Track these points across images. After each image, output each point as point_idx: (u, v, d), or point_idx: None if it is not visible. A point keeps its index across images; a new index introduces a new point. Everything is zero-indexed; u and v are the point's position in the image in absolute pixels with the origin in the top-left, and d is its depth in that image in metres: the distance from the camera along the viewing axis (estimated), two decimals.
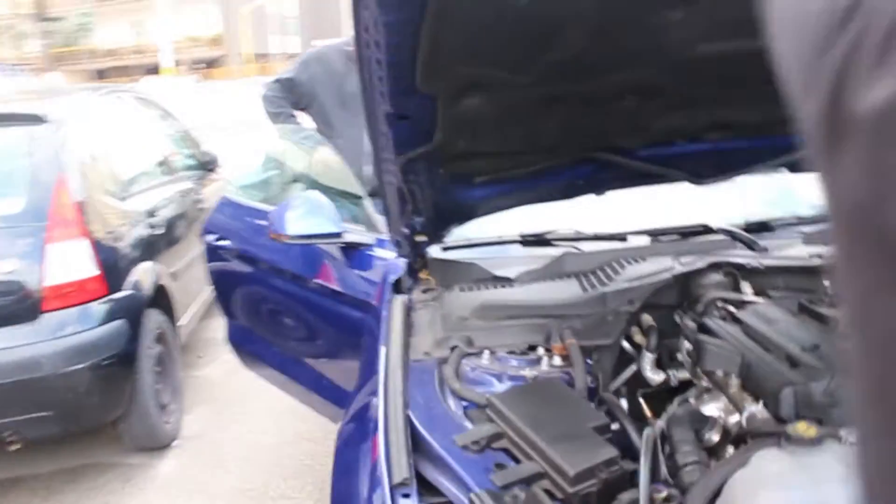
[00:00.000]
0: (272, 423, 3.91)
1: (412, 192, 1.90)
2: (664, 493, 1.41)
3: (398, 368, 1.69)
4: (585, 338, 1.89)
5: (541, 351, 1.86)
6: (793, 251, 2.22)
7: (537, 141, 1.90)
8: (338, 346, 3.01)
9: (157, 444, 3.71)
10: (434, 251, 2.33)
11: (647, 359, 2.04)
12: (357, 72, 1.60)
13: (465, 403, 1.65)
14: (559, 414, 1.50)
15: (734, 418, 1.71)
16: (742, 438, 1.56)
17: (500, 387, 1.70)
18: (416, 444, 1.46)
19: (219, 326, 4.72)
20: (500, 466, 1.38)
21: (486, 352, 1.80)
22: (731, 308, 2.01)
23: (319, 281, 2.94)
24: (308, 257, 2.96)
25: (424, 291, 2.17)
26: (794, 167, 2.23)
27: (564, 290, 2.10)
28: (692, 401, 1.92)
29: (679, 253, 2.21)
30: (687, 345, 1.98)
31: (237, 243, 3.38)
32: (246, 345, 3.56)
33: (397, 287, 2.19)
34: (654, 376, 2.03)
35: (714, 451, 1.63)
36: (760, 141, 2.10)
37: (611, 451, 1.38)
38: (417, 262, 2.22)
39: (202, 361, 4.75)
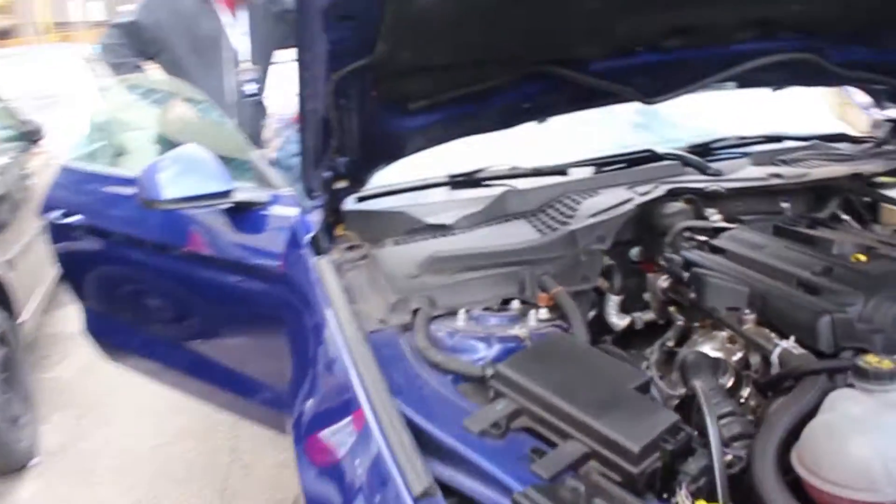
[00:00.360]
0: (147, 421, 3.41)
1: (340, 122, 1.53)
2: (729, 457, 1.17)
3: (362, 344, 1.34)
4: (564, 284, 1.62)
5: (516, 304, 1.57)
6: (747, 172, 2.05)
7: (493, 50, 1.59)
8: (224, 322, 2.57)
9: (13, 467, 3.14)
10: (349, 202, 1.98)
11: (612, 302, 1.81)
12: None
13: (449, 377, 1.33)
14: (588, 376, 1.22)
15: (736, 357, 1.50)
16: (778, 379, 1.34)
17: (490, 352, 1.40)
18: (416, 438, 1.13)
19: (65, 318, 4.11)
20: (537, 452, 1.08)
21: (462, 312, 1.48)
22: (702, 237, 1.81)
23: (197, 250, 2.48)
24: (183, 224, 2.49)
25: (349, 249, 1.81)
26: (745, 81, 2.05)
27: (520, 233, 1.82)
28: (670, 343, 1.72)
29: (630, 182, 1.98)
30: (661, 282, 1.76)
31: (88, 218, 2.83)
32: (108, 334, 3.03)
33: (315, 247, 1.82)
34: (619, 321, 1.81)
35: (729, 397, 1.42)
36: (716, 50, 1.89)
37: (670, 416, 1.12)
38: (333, 215, 1.86)
39: (52, 361, 4.10)
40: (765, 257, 1.62)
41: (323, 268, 1.68)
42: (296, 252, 1.91)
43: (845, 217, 2.01)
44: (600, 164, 2.14)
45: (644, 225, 1.87)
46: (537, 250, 1.69)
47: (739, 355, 1.51)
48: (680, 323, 1.71)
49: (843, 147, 2.28)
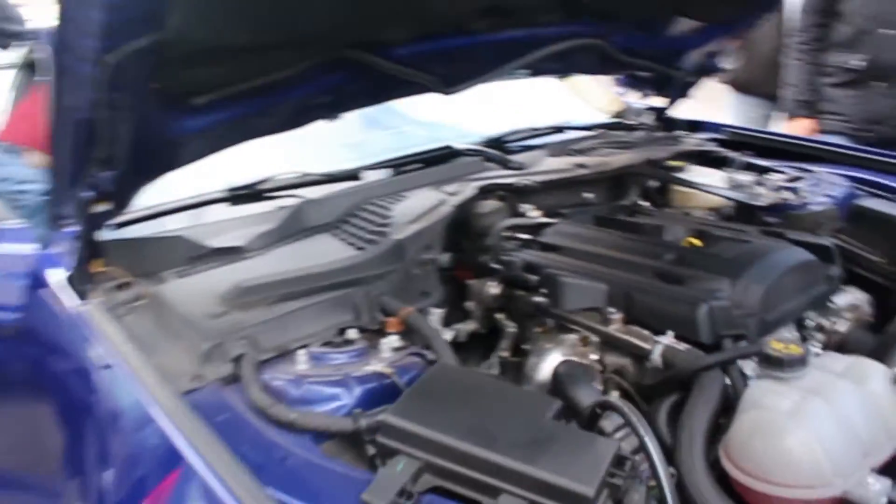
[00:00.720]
0: None
1: (111, 122, 1.17)
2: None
3: (183, 412, 1.00)
4: (403, 303, 1.39)
5: (353, 333, 1.31)
6: (551, 164, 1.96)
7: (296, 29, 1.31)
8: None
9: None
10: (105, 232, 1.58)
11: (434, 316, 1.61)
12: None
13: (307, 437, 1.04)
14: (494, 412, 1.00)
15: (592, 358, 1.38)
16: (671, 380, 1.22)
17: (351, 397, 1.13)
18: None
19: None
20: None
21: (300, 352, 1.19)
22: (524, 235, 1.69)
23: None
24: None
25: (118, 289, 1.43)
26: (537, 69, 1.96)
27: (329, 250, 1.56)
28: (504, 354, 1.56)
29: (434, 183, 1.80)
30: (489, 289, 1.59)
31: None
32: None
33: (74, 290, 1.42)
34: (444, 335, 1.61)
35: None
36: (517, 34, 1.77)
37: (611, 444, 0.94)
38: (90, 247, 1.47)
39: None
40: (606, 250, 1.52)
41: (94, 315, 1.29)
42: (42, 299, 1.48)
43: (643, 203, 2.01)
44: (396, 165, 1.93)
45: (457, 228, 1.69)
46: (363, 267, 1.44)
47: (595, 358, 1.39)
48: (512, 330, 1.56)
49: (622, 135, 2.30)
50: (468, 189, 1.74)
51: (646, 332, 1.30)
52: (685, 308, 1.27)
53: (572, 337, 1.42)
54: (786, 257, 1.39)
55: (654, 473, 0.93)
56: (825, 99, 2.74)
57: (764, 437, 0.99)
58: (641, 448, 0.95)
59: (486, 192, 1.76)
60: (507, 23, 1.67)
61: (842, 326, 1.50)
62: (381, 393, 1.12)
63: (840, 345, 1.48)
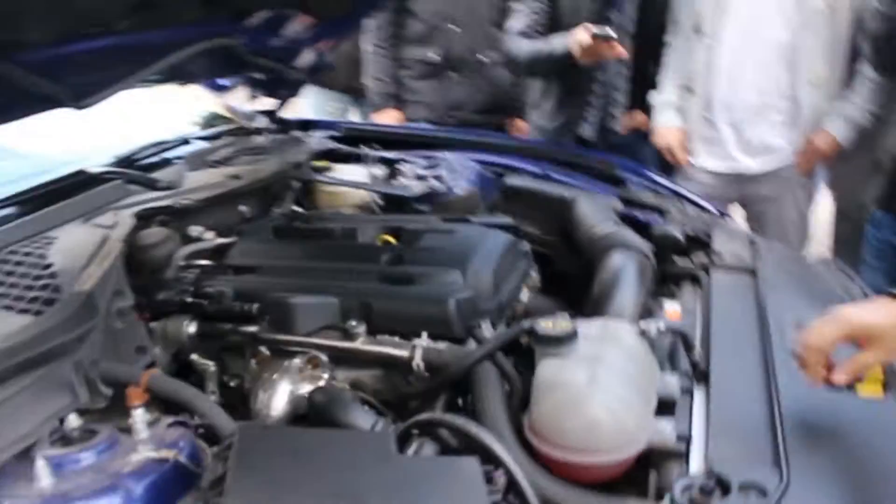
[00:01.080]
0: None
1: None
2: None
3: None
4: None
5: (73, 420, 1.04)
6: (200, 179, 1.79)
7: None
8: None
9: None
10: None
11: None
12: None
13: None
14: (339, 466, 0.88)
15: (325, 378, 1.31)
16: (441, 383, 1.20)
17: (133, 499, 0.88)
18: None
19: None
20: None
21: (38, 463, 0.90)
22: (205, 262, 1.53)
23: None
24: None
25: None
26: (171, 75, 1.75)
27: None
28: (212, 394, 1.41)
29: (80, 215, 1.52)
30: (184, 328, 1.40)
31: None
32: None
33: None
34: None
35: None
36: (159, 35, 1.55)
37: (474, 464, 0.89)
38: None
39: None
40: (313, 262, 1.44)
41: None
42: None
43: (297, 208, 1.94)
44: (18, 201, 1.57)
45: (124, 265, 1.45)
46: (54, 333, 1.13)
47: (325, 376, 1.30)
48: (213, 370, 1.40)
49: (250, 140, 2.18)
50: (125, 218, 1.50)
51: (397, 339, 1.27)
52: (432, 306, 1.27)
53: (297, 361, 1.32)
54: (495, 241, 1.47)
55: (514, 481, 0.90)
56: (408, 90, 2.95)
57: (571, 413, 1.02)
58: (490, 458, 0.92)
59: (144, 218, 1.54)
60: (153, 20, 1.46)
61: (523, 297, 1.63)
62: (167, 483, 0.91)
63: (525, 313, 1.61)
